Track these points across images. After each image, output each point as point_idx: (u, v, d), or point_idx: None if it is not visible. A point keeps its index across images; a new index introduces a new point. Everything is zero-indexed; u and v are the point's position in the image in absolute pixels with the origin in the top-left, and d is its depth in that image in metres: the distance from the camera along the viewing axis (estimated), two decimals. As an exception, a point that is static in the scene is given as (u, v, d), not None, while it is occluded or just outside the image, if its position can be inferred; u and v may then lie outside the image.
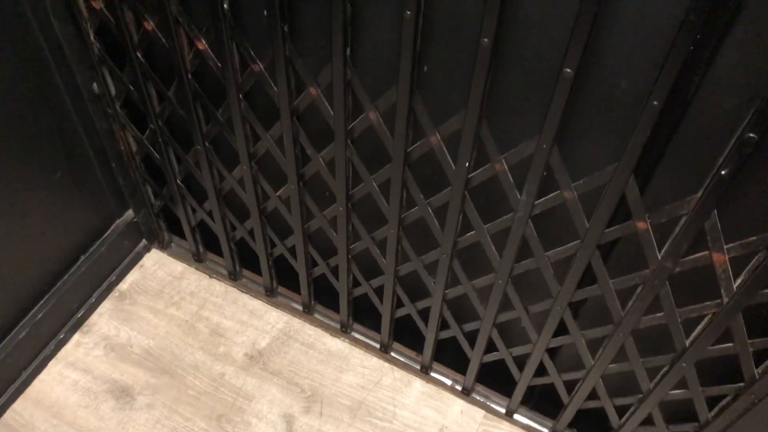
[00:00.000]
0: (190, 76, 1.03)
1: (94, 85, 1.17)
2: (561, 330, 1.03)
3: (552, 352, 1.10)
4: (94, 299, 1.39)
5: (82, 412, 1.26)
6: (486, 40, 0.71)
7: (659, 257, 0.82)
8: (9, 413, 1.25)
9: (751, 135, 0.64)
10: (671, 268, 0.82)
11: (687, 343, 0.91)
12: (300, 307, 1.40)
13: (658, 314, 0.90)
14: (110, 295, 1.42)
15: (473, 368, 1.23)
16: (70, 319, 1.35)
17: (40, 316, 1.27)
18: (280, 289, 1.42)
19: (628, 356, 0.99)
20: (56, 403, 1.27)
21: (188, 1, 0.96)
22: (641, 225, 0.80)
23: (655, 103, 0.66)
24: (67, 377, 1.31)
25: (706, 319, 0.87)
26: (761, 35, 0.61)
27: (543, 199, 0.85)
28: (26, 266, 1.22)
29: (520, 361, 1.16)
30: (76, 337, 1.36)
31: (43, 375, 1.30)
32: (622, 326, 0.94)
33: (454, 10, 0.76)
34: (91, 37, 1.09)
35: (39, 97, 1.10)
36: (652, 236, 0.80)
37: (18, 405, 1.26)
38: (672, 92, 0.65)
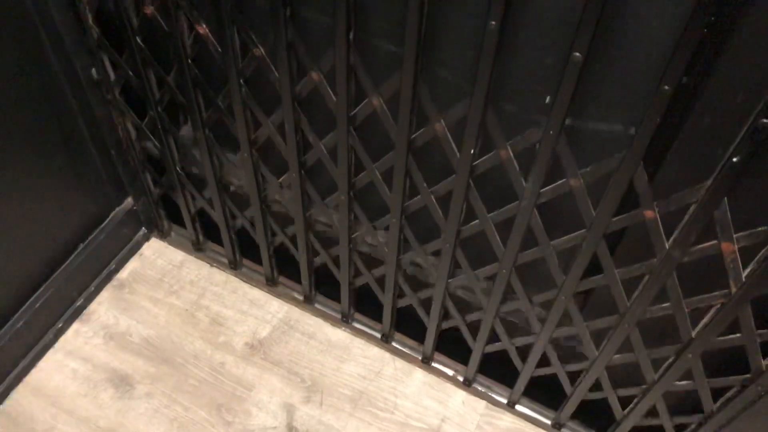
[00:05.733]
0: (190, 61, 1.01)
1: (93, 71, 1.15)
2: (565, 320, 1.02)
3: (555, 342, 1.09)
4: (93, 288, 1.38)
5: (81, 400, 1.25)
6: (493, 23, 0.69)
7: (667, 246, 0.80)
8: (8, 402, 1.24)
9: (765, 121, 0.62)
10: (679, 258, 0.81)
11: (693, 333, 0.90)
12: (301, 297, 1.39)
13: (665, 304, 0.89)
14: (109, 284, 1.41)
15: (475, 359, 1.22)
16: (69, 307, 1.34)
17: (38, 304, 1.26)
18: (281, 279, 1.41)
19: (633, 347, 0.98)
20: (55, 392, 1.26)
21: (188, -15, 0.94)
22: (649, 214, 0.78)
23: (666, 87, 0.65)
24: (66, 366, 1.30)
25: (713, 310, 0.86)
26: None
27: (549, 187, 0.84)
28: (25, 254, 1.21)
29: (523, 352, 1.15)
30: (75, 325, 1.35)
31: (42, 363, 1.29)
32: (628, 317, 0.93)
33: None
34: (90, 22, 1.07)
35: (37, 84, 1.09)
36: (660, 225, 0.79)
37: (17, 393, 1.25)
38: (684, 77, 0.64)
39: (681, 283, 0.85)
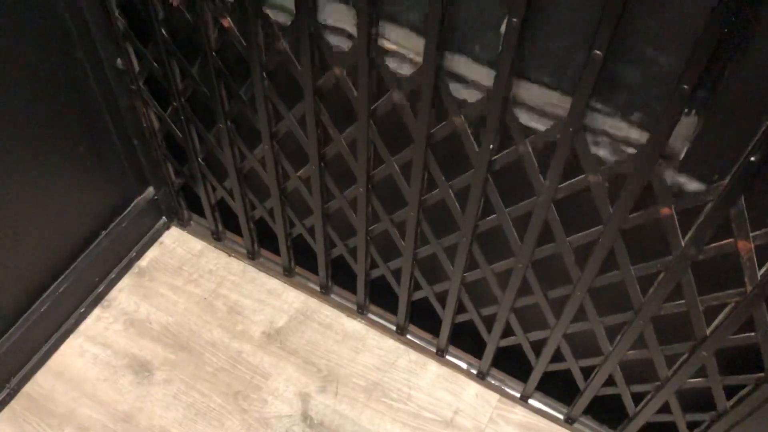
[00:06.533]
0: (214, 53, 1.03)
1: (118, 60, 1.17)
2: (580, 315, 1.03)
3: (569, 338, 1.10)
4: (114, 275, 1.41)
5: (101, 385, 1.28)
6: (515, 19, 0.70)
7: (683, 244, 0.81)
8: (30, 384, 1.27)
9: (783, 121, 0.63)
10: (695, 255, 0.81)
11: (708, 331, 0.90)
12: (317, 288, 1.40)
13: (679, 302, 0.89)
14: (130, 272, 1.44)
15: (489, 352, 1.24)
16: (90, 293, 1.37)
17: (61, 290, 1.28)
18: (298, 269, 1.43)
19: (646, 343, 0.99)
20: (76, 376, 1.29)
21: (214, -22, 0.95)
22: (666, 211, 0.79)
23: (685, 87, 0.66)
24: (87, 351, 1.32)
25: (728, 308, 0.86)
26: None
27: (567, 183, 0.85)
28: (48, 240, 1.23)
29: (537, 346, 1.16)
30: (96, 311, 1.38)
31: (64, 348, 1.32)
32: (642, 313, 0.94)
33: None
34: (116, 13, 1.09)
35: (63, 72, 1.11)
36: (677, 222, 0.80)
37: (39, 377, 1.28)
38: (702, 76, 0.65)
39: (696, 280, 0.85)
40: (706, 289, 0.86)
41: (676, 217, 0.79)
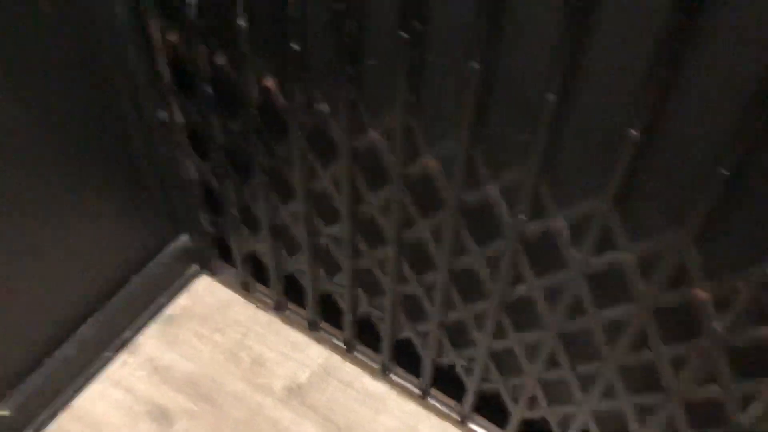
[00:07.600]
0: (255, 111, 1.05)
1: (162, 113, 1.20)
2: (608, 392, 1.00)
3: (596, 414, 1.07)
4: (142, 320, 1.42)
5: (122, 431, 1.28)
6: (552, 95, 0.70)
7: (718, 330, 0.79)
8: (52, 426, 1.27)
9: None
10: (731, 341, 0.79)
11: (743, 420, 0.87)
12: (342, 344, 1.39)
13: (712, 385, 0.87)
14: (158, 318, 1.45)
15: (514, 423, 1.20)
16: (117, 338, 1.38)
17: (89, 333, 1.29)
18: (323, 324, 1.42)
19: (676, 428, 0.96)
20: (98, 421, 1.29)
21: (259, 40, 0.98)
22: (701, 294, 0.77)
23: (723, 171, 0.65)
24: (110, 396, 1.32)
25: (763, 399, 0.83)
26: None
27: (599, 258, 0.84)
28: (78, 282, 1.25)
29: (564, 422, 1.13)
30: (122, 356, 1.38)
31: (88, 392, 1.32)
32: (674, 395, 0.91)
33: (521, 62, 0.76)
34: (162, 67, 1.13)
35: (105, 120, 1.14)
36: (712, 306, 0.78)
37: (61, 419, 1.28)
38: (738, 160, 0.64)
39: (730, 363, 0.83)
40: (740, 373, 0.84)
41: (711, 300, 0.78)
